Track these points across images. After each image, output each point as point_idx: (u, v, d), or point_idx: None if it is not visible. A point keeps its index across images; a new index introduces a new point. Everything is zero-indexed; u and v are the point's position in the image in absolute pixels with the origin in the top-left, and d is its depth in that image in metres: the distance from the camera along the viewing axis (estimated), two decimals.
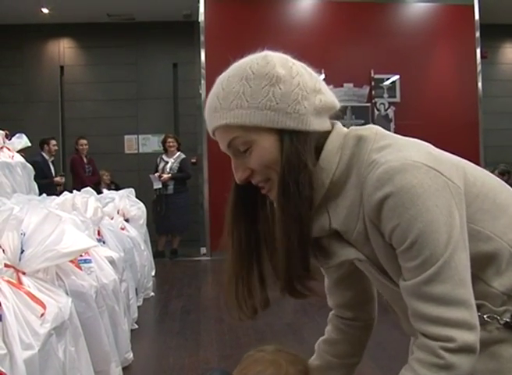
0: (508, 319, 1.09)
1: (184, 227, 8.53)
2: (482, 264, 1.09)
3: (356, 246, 1.14)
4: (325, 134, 1.14)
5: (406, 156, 1.05)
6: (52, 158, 8.30)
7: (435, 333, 1.01)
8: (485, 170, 1.21)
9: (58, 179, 8.05)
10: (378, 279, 1.17)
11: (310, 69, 1.16)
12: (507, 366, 1.09)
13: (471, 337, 1.01)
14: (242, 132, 1.10)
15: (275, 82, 1.09)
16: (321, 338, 1.45)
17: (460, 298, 1.01)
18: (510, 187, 1.22)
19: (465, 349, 1.00)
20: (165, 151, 8.52)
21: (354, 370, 1.42)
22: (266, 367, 1.22)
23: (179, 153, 8.46)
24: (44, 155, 8.17)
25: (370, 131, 1.14)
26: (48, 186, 7.45)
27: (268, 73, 1.09)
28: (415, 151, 1.07)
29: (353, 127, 1.18)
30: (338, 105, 1.17)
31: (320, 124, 1.12)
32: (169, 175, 8.28)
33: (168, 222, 8.20)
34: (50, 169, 8.17)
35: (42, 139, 8.44)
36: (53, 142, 8.27)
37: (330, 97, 1.15)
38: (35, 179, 7.74)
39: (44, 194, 4.28)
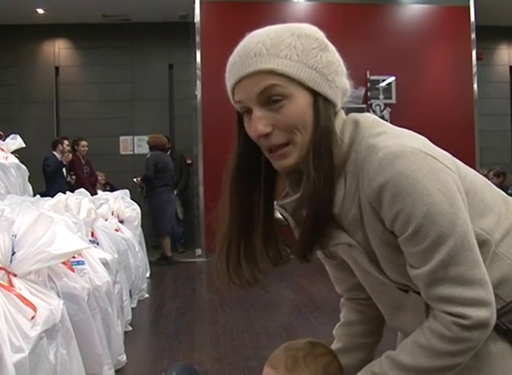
0: None
1: (158, 232, 8.18)
2: None
3: (348, 231, 1.14)
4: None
5: (404, 143, 1.05)
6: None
7: (451, 310, 1.03)
8: (472, 169, 1.22)
9: (69, 179, 8.06)
10: (365, 268, 1.17)
11: None
12: (488, 362, 1.10)
13: (486, 314, 1.03)
14: (284, 82, 1.07)
15: (324, 48, 1.11)
16: (338, 323, 1.42)
17: (475, 277, 1.03)
18: (494, 187, 1.23)
19: (478, 325, 1.03)
20: None
21: (375, 349, 1.39)
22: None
23: (149, 153, 8.34)
24: (56, 154, 8.14)
25: (367, 118, 1.14)
26: (59, 181, 7.51)
27: (318, 38, 1.12)
28: (411, 138, 1.09)
29: (351, 113, 1.18)
30: (348, 94, 1.18)
31: (340, 103, 1.14)
32: (140, 177, 8.24)
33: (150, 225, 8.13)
34: (62, 170, 8.15)
35: (54, 140, 8.46)
36: (66, 142, 8.26)
37: (348, 85, 1.17)
38: (49, 168, 7.86)
39: (38, 195, 4.24)
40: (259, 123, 1.08)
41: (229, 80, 1.13)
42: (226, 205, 1.20)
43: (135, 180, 8.35)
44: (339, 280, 1.38)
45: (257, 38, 1.10)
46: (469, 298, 1.02)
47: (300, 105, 1.08)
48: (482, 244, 1.10)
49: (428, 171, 1.02)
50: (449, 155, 1.15)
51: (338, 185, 1.11)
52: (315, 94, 1.09)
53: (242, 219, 1.20)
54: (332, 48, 1.14)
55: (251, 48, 1.09)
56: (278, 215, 1.23)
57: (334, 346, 1.37)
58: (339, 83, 1.12)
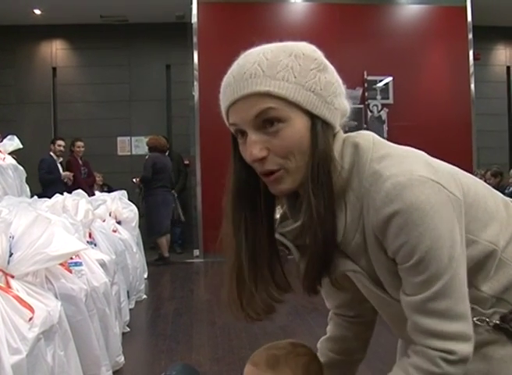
0: (497, 321, 1.11)
1: (153, 232, 8.15)
2: (474, 270, 1.09)
3: (352, 257, 1.11)
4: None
5: (411, 170, 1.02)
6: (61, 160, 8.21)
7: (436, 346, 1.02)
8: (472, 176, 1.20)
9: (67, 173, 8.00)
10: (370, 289, 1.15)
11: None
12: (498, 366, 1.10)
13: (469, 349, 1.03)
14: (280, 105, 1.03)
15: (323, 69, 1.07)
16: (324, 337, 1.41)
17: (461, 311, 1.02)
18: (494, 191, 1.22)
19: (463, 360, 1.02)
20: None
21: (357, 367, 1.39)
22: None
23: (148, 154, 8.40)
24: (52, 154, 8.14)
25: (366, 139, 1.10)
26: (55, 182, 7.48)
27: (317, 59, 1.07)
28: (417, 163, 1.05)
29: (349, 134, 1.14)
30: (348, 115, 1.14)
31: (338, 125, 1.10)
32: (139, 178, 8.30)
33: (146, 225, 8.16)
34: (58, 169, 8.10)
35: (52, 138, 8.41)
36: (59, 142, 8.16)
37: (348, 106, 1.13)
38: (44, 174, 7.85)
39: (35, 197, 4.24)
40: (254, 148, 1.04)
41: (224, 101, 1.08)
42: (230, 232, 1.15)
43: (134, 180, 8.38)
44: (329, 295, 1.37)
45: (252, 58, 1.05)
46: (455, 333, 1.02)
47: (297, 128, 1.04)
48: (489, 254, 1.10)
49: (435, 201, 1.00)
50: (452, 171, 1.12)
51: (339, 212, 1.07)
52: (313, 117, 1.05)
53: (249, 244, 1.15)
54: (331, 68, 1.10)
55: (246, 68, 1.04)
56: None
57: None
58: (338, 105, 1.08)
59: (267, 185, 1.10)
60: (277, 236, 1.15)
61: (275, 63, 1.04)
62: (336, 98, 1.08)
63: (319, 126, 1.05)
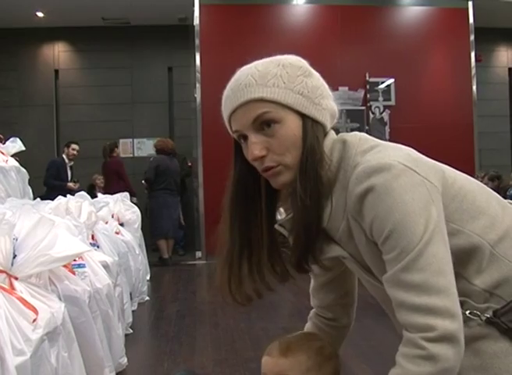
0: (489, 316, 1.12)
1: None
2: (463, 262, 1.13)
3: (340, 244, 1.20)
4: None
5: (384, 156, 1.11)
6: (72, 163, 8.25)
7: (415, 322, 1.03)
8: (464, 174, 1.25)
9: (71, 185, 7.95)
10: (364, 277, 1.22)
11: None
12: (490, 361, 1.12)
13: (453, 326, 1.02)
14: (274, 108, 1.16)
15: (308, 75, 1.20)
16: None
17: (440, 285, 1.04)
18: (491, 191, 1.26)
19: (447, 338, 1.01)
20: None
21: None
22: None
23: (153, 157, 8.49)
24: (65, 157, 8.20)
25: (354, 137, 1.21)
26: (59, 188, 7.51)
27: (302, 66, 1.21)
28: (394, 151, 1.14)
29: (341, 133, 1.24)
30: (337, 116, 1.26)
31: (328, 125, 1.22)
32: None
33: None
34: (66, 173, 8.14)
35: (68, 141, 8.47)
36: (73, 146, 8.22)
37: (336, 107, 1.25)
38: (49, 178, 7.87)
39: (38, 199, 4.25)
40: (255, 148, 1.17)
41: (225, 112, 1.22)
42: (226, 229, 1.27)
43: (143, 181, 8.48)
44: (315, 295, 1.47)
45: (246, 72, 1.20)
46: (433, 306, 1.02)
47: (291, 127, 1.17)
48: (476, 246, 1.13)
49: (404, 182, 1.07)
50: (436, 164, 1.19)
51: (325, 201, 1.17)
52: (304, 117, 1.18)
53: (243, 240, 1.26)
54: (316, 74, 1.23)
55: (241, 80, 1.18)
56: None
57: None
58: (326, 106, 1.21)
59: (269, 180, 1.21)
60: (276, 226, 1.25)
61: (265, 73, 1.18)
62: (323, 100, 1.21)
63: (309, 124, 1.18)
